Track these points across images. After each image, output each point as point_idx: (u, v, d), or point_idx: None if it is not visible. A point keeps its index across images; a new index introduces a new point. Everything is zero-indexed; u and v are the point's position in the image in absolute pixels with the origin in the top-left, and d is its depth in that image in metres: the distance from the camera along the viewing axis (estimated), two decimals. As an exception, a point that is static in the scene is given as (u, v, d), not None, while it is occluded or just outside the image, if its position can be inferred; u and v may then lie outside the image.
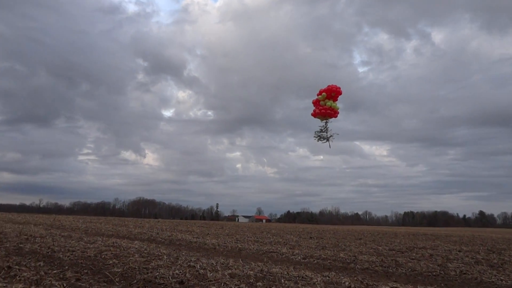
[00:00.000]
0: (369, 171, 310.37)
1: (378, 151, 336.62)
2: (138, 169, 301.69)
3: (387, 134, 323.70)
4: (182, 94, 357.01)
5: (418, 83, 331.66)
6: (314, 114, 16.99)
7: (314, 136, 16.85)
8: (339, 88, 17.26)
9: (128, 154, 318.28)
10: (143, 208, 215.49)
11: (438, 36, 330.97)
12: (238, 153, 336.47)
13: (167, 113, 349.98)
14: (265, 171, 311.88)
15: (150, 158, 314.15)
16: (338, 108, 17.19)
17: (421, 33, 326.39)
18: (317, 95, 17.40)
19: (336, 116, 17.12)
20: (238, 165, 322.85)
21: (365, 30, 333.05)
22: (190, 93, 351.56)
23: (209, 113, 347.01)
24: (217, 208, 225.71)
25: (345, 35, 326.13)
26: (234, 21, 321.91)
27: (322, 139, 16.98)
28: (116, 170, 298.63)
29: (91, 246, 17.21)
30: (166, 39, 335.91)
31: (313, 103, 17.36)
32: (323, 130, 17.08)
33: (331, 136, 16.60)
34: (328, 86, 17.27)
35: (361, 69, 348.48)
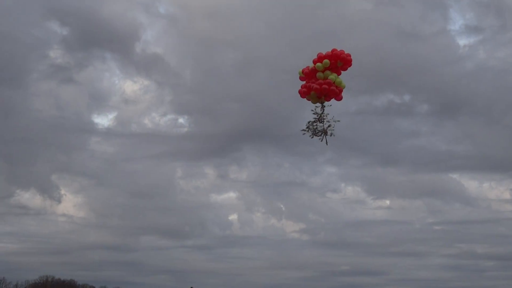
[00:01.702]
0: (479, 229, 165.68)
1: (495, 191, 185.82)
2: (47, 224, 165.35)
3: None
4: (131, 86, 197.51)
5: None
6: (307, 91, 11.31)
7: (304, 129, 12.10)
8: (349, 55, 11.23)
9: (28, 197, 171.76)
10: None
11: None
12: (232, 195, 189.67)
13: (104, 120, 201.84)
14: (283, 228, 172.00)
15: (70, 204, 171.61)
16: (344, 86, 11.22)
17: None
18: (314, 62, 11.50)
19: (339, 98, 11.17)
20: (233, 217, 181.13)
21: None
22: (146, 85, 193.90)
23: (181, 121, 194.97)
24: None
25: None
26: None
27: (316, 133, 12.01)
28: (4, 225, 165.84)
29: None
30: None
31: (303, 74, 11.41)
32: (318, 119, 12.05)
33: (329, 126, 11.84)
34: (333, 50, 11.32)
35: (463, 41, 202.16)
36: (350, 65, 11.92)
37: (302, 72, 11.92)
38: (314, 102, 11.81)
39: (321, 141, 11.50)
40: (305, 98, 11.94)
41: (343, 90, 11.85)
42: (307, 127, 11.72)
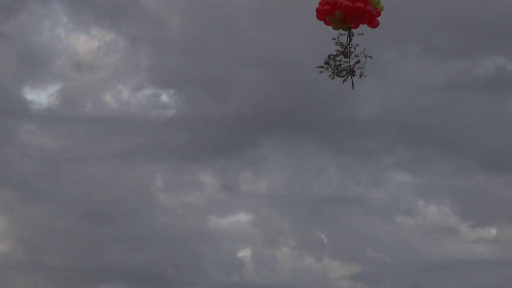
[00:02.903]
0: None
1: None
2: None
3: None
4: (87, 42, 71.63)
5: None
6: (331, 9, 8.95)
7: (322, 66, 8.91)
8: None
9: None
10: None
11: None
12: (244, 218, 65.60)
13: (41, 97, 73.64)
14: (325, 272, 54.14)
15: None
16: (382, 8, 8.78)
17: None
18: None
19: (375, 25, 8.83)
20: (244, 253, 63.65)
21: None
22: (110, 41, 68.03)
23: (165, 98, 71.60)
24: None
25: None
26: None
27: (339, 71, 8.83)
28: None
29: None
30: None
31: None
32: (343, 52, 8.80)
33: (357, 63, 8.72)
34: None
35: None
36: None
37: None
38: (336, 28, 8.73)
39: (344, 82, 8.56)
40: (323, 21, 8.80)
41: (381, 13, 8.71)
42: (326, 63, 8.70)
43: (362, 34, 8.60)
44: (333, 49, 8.53)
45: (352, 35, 8.58)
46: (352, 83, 8.50)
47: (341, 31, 8.71)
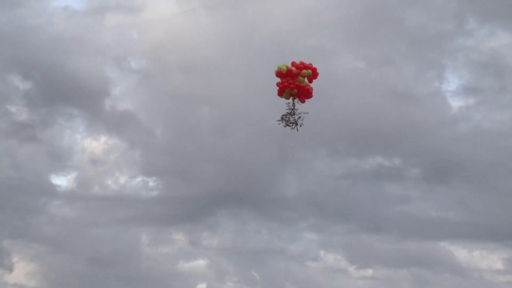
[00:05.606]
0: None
1: (486, 261, 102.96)
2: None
3: (507, 228, 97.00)
4: (98, 145, 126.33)
5: None
6: (294, 88, 14.65)
7: (279, 120, 15.25)
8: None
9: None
10: None
11: None
12: (202, 262, 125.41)
13: (63, 182, 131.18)
14: None
15: (21, 273, 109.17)
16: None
17: None
18: (296, 66, 14.92)
19: (303, 101, 15.20)
20: (201, 286, 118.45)
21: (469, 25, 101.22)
22: (114, 144, 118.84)
23: (151, 183, 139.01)
24: None
25: (433, 37, 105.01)
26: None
27: (289, 123, 15.29)
28: None
29: None
30: (71, 39, 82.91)
31: (286, 72, 14.63)
32: (290, 113, 15.29)
33: (299, 117, 15.13)
34: (309, 64, 15.25)
35: (459, 102, 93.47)
36: (316, 76, 14.91)
37: (286, 69, 14.31)
38: (287, 98, 14.80)
39: (293, 129, 14.55)
40: (278, 91, 14.63)
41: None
42: (281, 118, 14.78)
43: (300, 103, 14.73)
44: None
45: (295, 103, 14.69)
46: (297, 129, 14.48)
47: (291, 100, 14.71)
